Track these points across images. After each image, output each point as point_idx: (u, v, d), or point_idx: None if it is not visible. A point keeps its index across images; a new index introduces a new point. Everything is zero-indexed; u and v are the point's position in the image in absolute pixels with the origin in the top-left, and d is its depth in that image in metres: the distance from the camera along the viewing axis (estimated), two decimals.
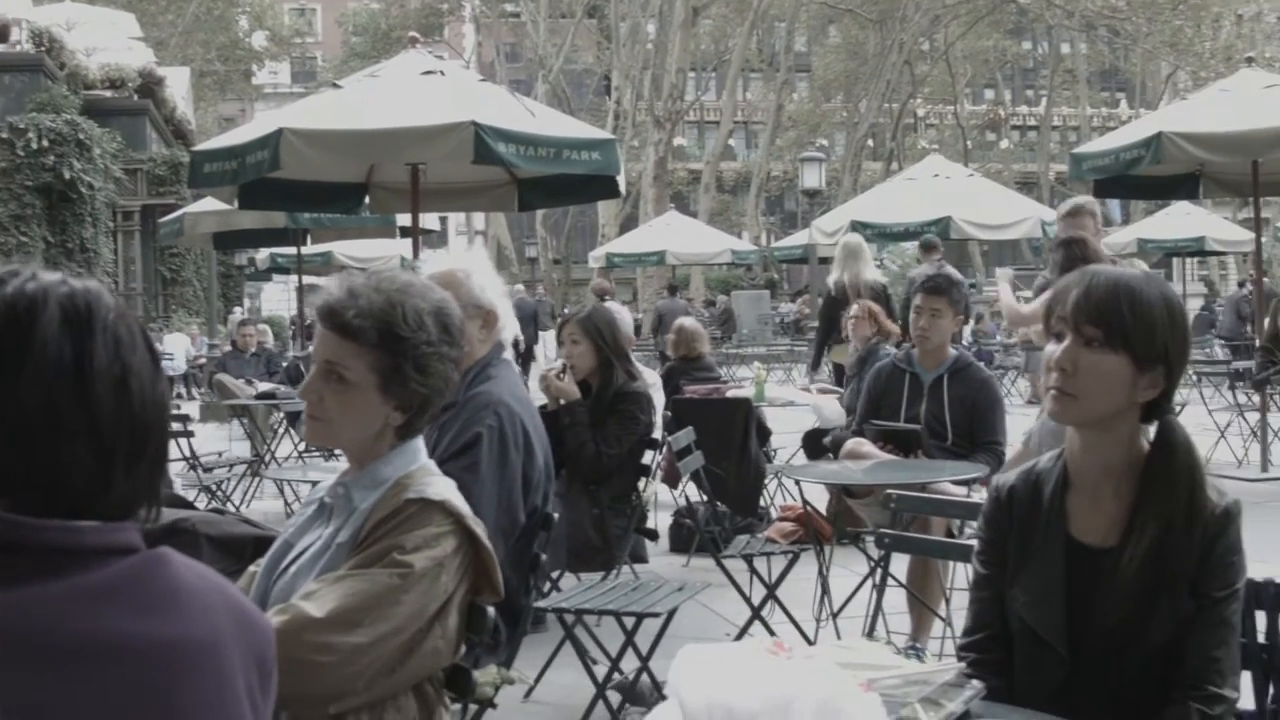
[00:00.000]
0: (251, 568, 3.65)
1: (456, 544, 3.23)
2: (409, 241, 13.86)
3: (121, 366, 1.88)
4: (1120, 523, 3.12)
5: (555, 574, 7.49)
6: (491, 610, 3.41)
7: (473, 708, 4.56)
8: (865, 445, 7.78)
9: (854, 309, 12.17)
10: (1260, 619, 3.48)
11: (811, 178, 29.81)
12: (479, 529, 3.29)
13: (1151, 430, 3.16)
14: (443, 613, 3.19)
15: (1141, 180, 15.86)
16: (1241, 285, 35.02)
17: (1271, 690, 3.47)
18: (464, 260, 5.26)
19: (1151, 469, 3.11)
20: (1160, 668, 3.06)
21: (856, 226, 21.11)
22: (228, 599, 1.96)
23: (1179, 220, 30.33)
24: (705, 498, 8.81)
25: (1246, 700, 3.41)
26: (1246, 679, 3.40)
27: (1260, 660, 3.46)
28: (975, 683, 2.86)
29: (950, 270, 15.42)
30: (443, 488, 3.31)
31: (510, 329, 5.37)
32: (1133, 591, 3.05)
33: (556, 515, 5.20)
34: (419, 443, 3.43)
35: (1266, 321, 14.52)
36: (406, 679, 3.17)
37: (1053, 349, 3.09)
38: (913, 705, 2.63)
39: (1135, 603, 3.05)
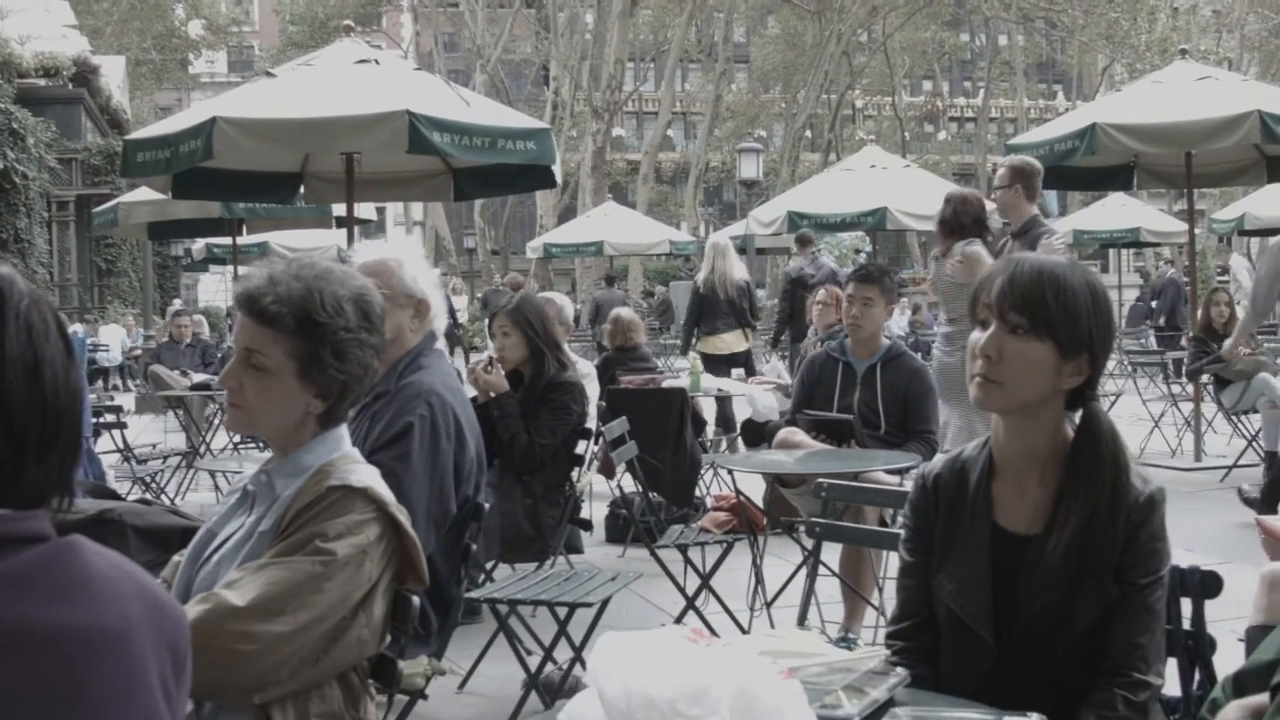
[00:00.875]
0: (176, 557, 3.63)
1: (379, 531, 3.21)
2: (345, 231, 13.79)
3: (34, 354, 1.86)
4: (1045, 510, 3.13)
5: (489, 564, 7.46)
6: (416, 599, 3.39)
7: (404, 699, 4.55)
8: (798, 434, 7.79)
9: (821, 294, 12.29)
10: (1185, 605, 3.50)
11: (749, 168, 29.82)
12: (402, 516, 3.28)
13: (1076, 417, 3.18)
14: (367, 601, 3.18)
15: (1077, 171, 15.93)
16: (1156, 269, 35.42)
17: (1197, 676, 3.50)
18: (396, 249, 5.23)
19: (1076, 456, 3.13)
20: (1085, 654, 3.08)
21: (794, 217, 21.20)
22: (140, 587, 1.94)
23: (1114, 211, 30.61)
24: (640, 488, 8.82)
25: (1172, 686, 3.43)
26: (1172, 665, 3.42)
27: (1185, 646, 3.49)
28: (900, 670, 2.87)
29: (828, 261, 17.30)
30: (365, 475, 3.29)
31: (442, 318, 5.35)
32: (1057, 579, 3.07)
33: (489, 505, 5.19)
34: (342, 431, 3.41)
35: (1200, 312, 14.62)
36: (331, 668, 3.15)
37: (978, 336, 3.10)
38: (836, 693, 2.63)
39: (1060, 590, 3.07)
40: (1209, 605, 3.50)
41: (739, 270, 15.92)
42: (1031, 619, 3.11)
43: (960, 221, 9.70)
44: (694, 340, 15.69)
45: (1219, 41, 60.42)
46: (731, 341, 15.39)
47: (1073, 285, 3.07)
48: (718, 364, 14.03)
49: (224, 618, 2.98)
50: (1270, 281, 11.07)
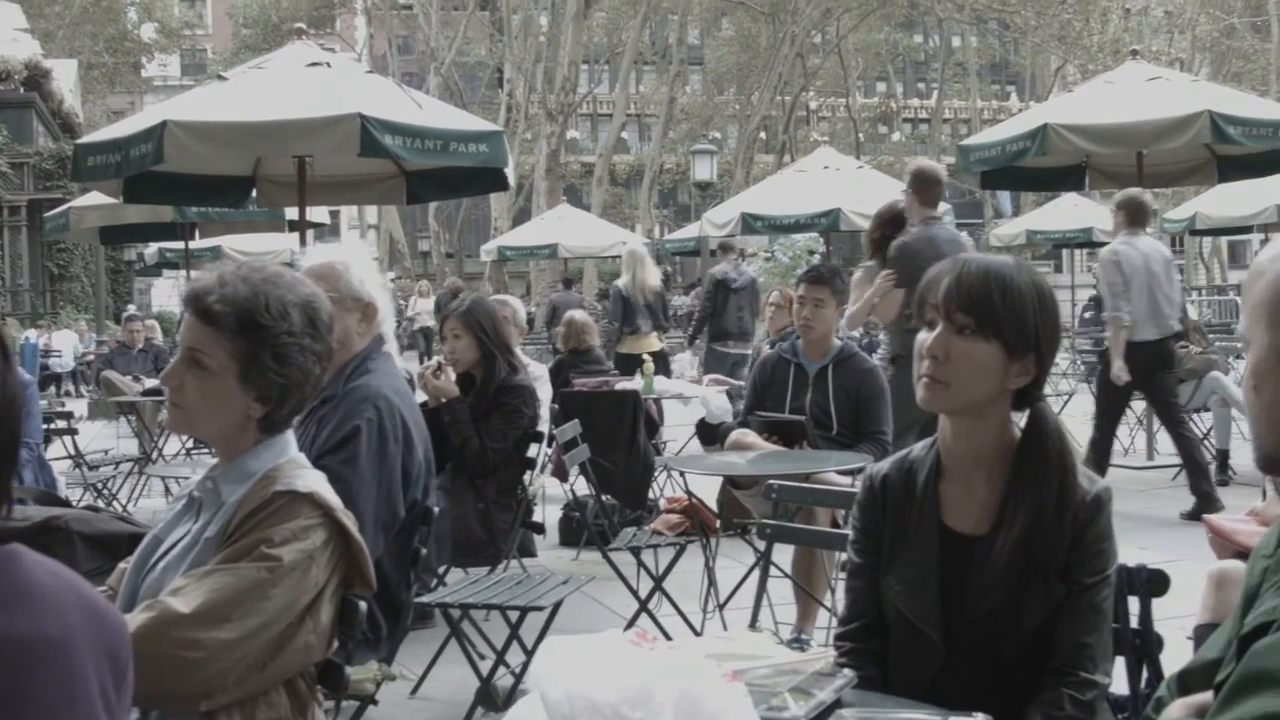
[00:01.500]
0: (122, 564, 3.60)
1: (326, 536, 3.19)
2: (297, 235, 13.75)
3: None
4: (992, 510, 3.14)
5: (441, 569, 7.44)
6: (363, 604, 3.38)
7: (354, 704, 4.53)
8: (750, 436, 7.78)
9: (774, 296, 12.36)
10: (1133, 604, 3.52)
11: (703, 170, 29.86)
12: (349, 521, 3.26)
13: (1023, 418, 3.19)
14: (313, 607, 3.16)
15: (1029, 172, 16.04)
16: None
17: (1144, 674, 3.51)
18: (343, 252, 5.22)
19: (1023, 456, 3.14)
20: (1033, 654, 3.09)
21: (747, 219, 21.29)
22: (80, 596, 1.92)
23: (1067, 211, 30.74)
24: (592, 491, 8.81)
25: (1120, 685, 3.44)
26: (1120, 664, 3.43)
27: (1133, 645, 3.51)
28: (847, 671, 2.87)
29: (749, 270, 19.15)
30: (311, 480, 3.27)
31: (390, 322, 5.33)
32: (1005, 579, 3.08)
33: (438, 509, 5.17)
34: (288, 436, 3.39)
35: None
36: (278, 674, 3.13)
37: (925, 336, 3.11)
38: (783, 695, 2.63)
39: (1008, 590, 3.08)
40: (1158, 603, 3.52)
41: (655, 277, 17.95)
42: (979, 619, 3.11)
43: (871, 238, 9.87)
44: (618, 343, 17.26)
45: (1170, 42, 60.77)
46: (651, 342, 17.04)
47: (1019, 285, 3.08)
48: (637, 363, 14.43)
49: (169, 625, 2.96)
50: (1110, 295, 11.38)
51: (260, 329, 3.22)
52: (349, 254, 5.20)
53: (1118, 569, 3.27)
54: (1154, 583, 3.51)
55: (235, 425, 3.29)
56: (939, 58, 74.63)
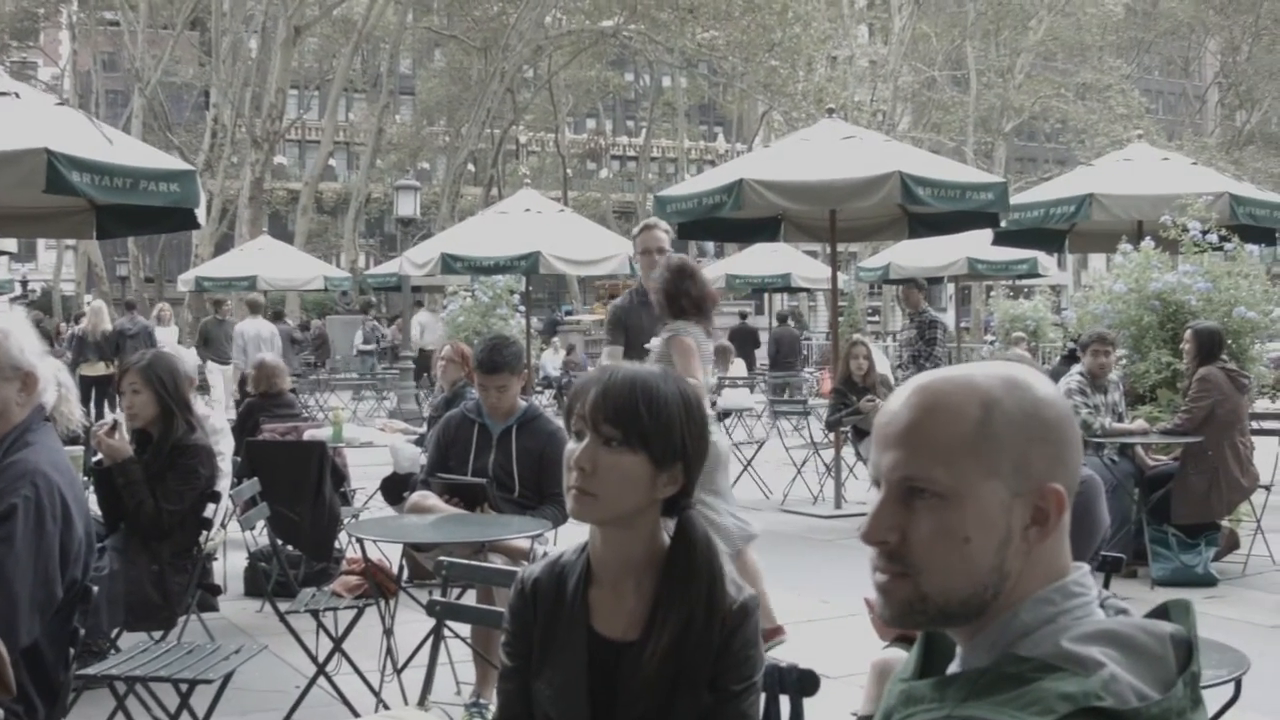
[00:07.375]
0: None
1: None
2: None
3: None
4: (642, 617, 3.16)
5: (114, 633, 7.27)
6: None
7: None
8: (430, 498, 7.74)
9: (446, 349, 12.32)
10: (784, 703, 3.58)
11: (406, 206, 29.74)
12: None
13: (672, 525, 3.22)
14: None
15: (725, 223, 16.28)
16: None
17: None
18: (2, 320, 5.05)
19: (672, 564, 3.17)
20: None
21: (447, 259, 21.37)
22: None
23: (767, 257, 31.43)
24: (276, 543, 8.70)
25: None
26: None
27: None
28: None
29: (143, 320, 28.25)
30: None
31: (51, 391, 5.17)
32: (654, 686, 3.09)
33: (111, 570, 5.05)
34: None
35: (840, 364, 15.04)
36: None
37: (573, 448, 3.12)
38: None
39: (656, 697, 3.10)
40: (835, 660, 3.58)
41: (106, 324, 25.98)
42: None
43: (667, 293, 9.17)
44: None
45: (874, 92, 62.29)
46: (100, 368, 25.05)
47: (665, 395, 3.11)
48: (89, 384, 24.19)
49: None
50: None
51: None
52: (8, 322, 5.03)
53: (769, 669, 3.32)
54: (804, 683, 3.57)
55: None
56: (649, 97, 75.42)
